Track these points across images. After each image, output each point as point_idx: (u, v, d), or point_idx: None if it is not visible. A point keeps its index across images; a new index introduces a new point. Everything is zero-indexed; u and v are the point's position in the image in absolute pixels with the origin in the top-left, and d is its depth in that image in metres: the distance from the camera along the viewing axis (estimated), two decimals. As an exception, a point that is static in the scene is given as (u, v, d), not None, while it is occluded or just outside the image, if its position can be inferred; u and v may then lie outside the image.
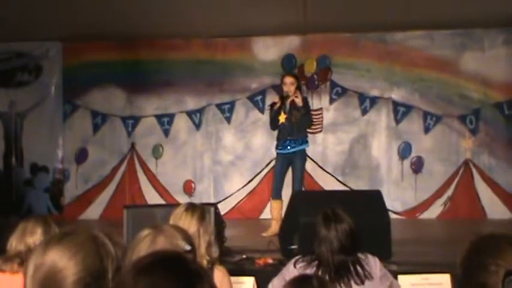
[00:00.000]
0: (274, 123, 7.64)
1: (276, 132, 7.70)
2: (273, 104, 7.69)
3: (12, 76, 10.41)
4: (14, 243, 3.34)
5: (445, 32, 9.57)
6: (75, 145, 10.30)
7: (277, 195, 7.53)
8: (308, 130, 7.74)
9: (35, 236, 3.31)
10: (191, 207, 3.52)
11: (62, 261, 1.61)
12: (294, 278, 2.56)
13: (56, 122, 10.29)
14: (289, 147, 7.54)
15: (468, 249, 2.07)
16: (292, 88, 7.51)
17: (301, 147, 7.58)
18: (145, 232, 2.50)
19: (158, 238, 2.45)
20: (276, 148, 7.70)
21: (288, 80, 7.61)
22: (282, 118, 7.54)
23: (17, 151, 10.40)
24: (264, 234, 7.28)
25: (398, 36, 9.71)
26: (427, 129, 9.64)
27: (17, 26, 9.11)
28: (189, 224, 3.36)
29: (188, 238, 2.54)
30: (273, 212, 7.52)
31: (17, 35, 9.69)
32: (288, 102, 7.53)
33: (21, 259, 3.21)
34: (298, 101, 7.42)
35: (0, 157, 10.41)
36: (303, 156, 7.61)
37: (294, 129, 7.51)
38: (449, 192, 9.49)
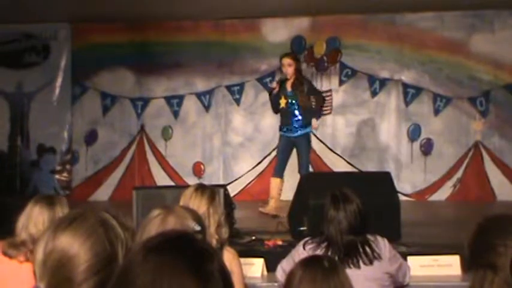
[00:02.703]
0: (275, 108, 7.52)
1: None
2: (271, 90, 7.48)
3: (21, 57, 10.41)
4: (20, 229, 3.30)
5: (455, 13, 9.49)
6: (84, 127, 10.32)
7: (277, 173, 7.44)
8: (320, 111, 7.65)
9: (39, 225, 3.25)
10: (201, 188, 3.53)
11: (73, 248, 1.60)
12: (305, 259, 2.57)
13: (64, 104, 10.30)
14: (294, 131, 7.35)
15: (476, 230, 2.07)
16: (290, 70, 7.30)
17: (306, 130, 7.37)
18: (156, 212, 2.51)
19: (168, 218, 2.46)
20: (280, 129, 7.56)
21: (286, 61, 7.36)
22: (283, 102, 7.36)
23: (23, 132, 10.41)
24: (261, 209, 7.27)
25: (409, 18, 9.64)
26: (436, 111, 9.60)
27: (26, 7, 9.09)
28: (199, 204, 3.37)
29: (198, 218, 2.55)
30: (272, 190, 7.43)
31: (26, 17, 9.68)
32: (287, 84, 7.33)
33: (28, 249, 3.17)
34: (287, 85, 7.25)
35: (5, 138, 10.42)
36: (308, 139, 7.43)
37: (302, 112, 7.30)
38: (459, 174, 9.47)
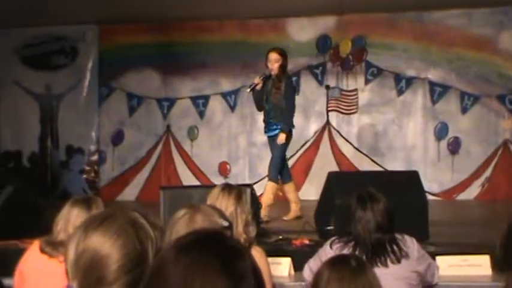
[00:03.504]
0: (259, 106, 6.99)
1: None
2: (253, 85, 6.84)
3: (49, 59, 10.54)
4: (58, 231, 3.36)
5: (483, 10, 9.40)
6: (111, 127, 10.40)
7: (282, 178, 7.00)
8: (286, 116, 6.84)
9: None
10: (228, 188, 3.54)
11: (104, 247, 1.61)
12: (332, 258, 2.56)
13: (92, 104, 10.39)
14: (271, 130, 6.92)
15: (508, 231, 2.05)
16: (276, 65, 6.69)
17: (276, 131, 6.84)
18: (182, 212, 2.52)
19: (196, 217, 2.47)
20: (264, 132, 7.10)
21: (273, 56, 6.76)
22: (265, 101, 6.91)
23: (53, 133, 10.54)
24: (285, 218, 6.91)
25: (436, 15, 9.57)
26: (464, 110, 9.51)
27: (53, 10, 9.18)
28: (227, 204, 3.38)
29: (224, 215, 2.56)
30: (288, 195, 7.10)
31: (54, 19, 9.78)
32: (269, 82, 6.79)
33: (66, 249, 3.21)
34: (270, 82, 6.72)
35: (36, 139, 10.56)
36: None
37: (273, 110, 6.81)
38: (488, 173, 9.37)
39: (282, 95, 6.75)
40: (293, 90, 7.10)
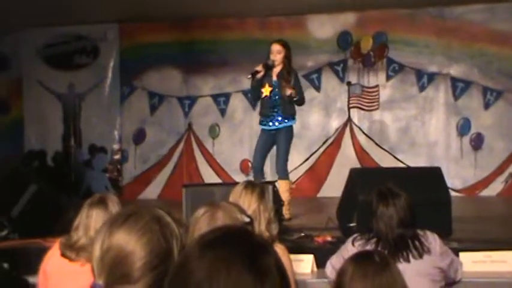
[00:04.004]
0: (255, 95, 6.88)
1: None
2: (254, 73, 6.68)
3: (71, 59, 10.61)
4: (80, 235, 3.37)
5: (506, 4, 9.30)
6: (133, 126, 10.45)
7: (257, 174, 6.76)
8: (294, 105, 6.74)
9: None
10: (250, 185, 3.55)
11: (129, 245, 1.62)
12: (356, 254, 2.56)
13: (114, 103, 10.46)
14: (275, 123, 6.73)
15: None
16: (279, 57, 6.62)
17: (288, 124, 6.72)
18: (202, 210, 2.53)
19: (217, 214, 2.48)
20: (260, 123, 6.89)
21: (275, 47, 6.68)
22: (267, 91, 6.69)
23: (76, 132, 10.62)
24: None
25: (458, 11, 9.49)
26: (487, 105, 9.44)
27: (75, 9, 9.25)
28: (249, 201, 3.38)
29: (244, 211, 2.57)
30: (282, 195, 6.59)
31: (75, 19, 9.85)
32: (273, 73, 6.66)
33: (88, 253, 3.21)
34: (273, 72, 6.58)
35: (59, 138, 10.65)
36: (288, 132, 6.75)
37: (282, 103, 6.64)
38: (511, 169, 9.29)
39: (292, 88, 6.62)
40: (300, 83, 6.96)
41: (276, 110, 6.69)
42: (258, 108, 9.93)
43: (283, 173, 6.79)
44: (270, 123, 6.73)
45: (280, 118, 6.70)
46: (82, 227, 3.36)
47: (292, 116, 6.73)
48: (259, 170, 6.77)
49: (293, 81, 6.67)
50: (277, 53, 6.64)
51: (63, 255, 3.35)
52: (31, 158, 10.60)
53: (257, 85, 6.72)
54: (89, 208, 3.40)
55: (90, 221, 3.35)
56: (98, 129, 10.46)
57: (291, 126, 6.75)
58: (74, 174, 10.52)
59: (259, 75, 6.64)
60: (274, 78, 6.69)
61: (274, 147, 6.89)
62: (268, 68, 6.66)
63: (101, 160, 10.50)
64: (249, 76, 6.77)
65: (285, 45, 6.75)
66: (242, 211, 2.57)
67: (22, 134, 10.73)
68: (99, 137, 10.50)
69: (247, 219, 2.49)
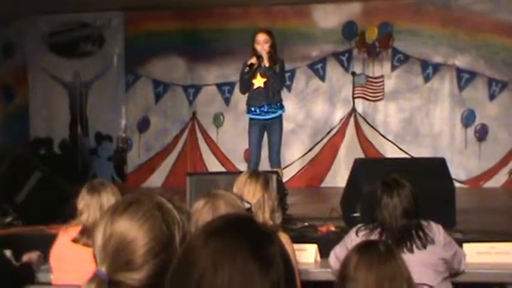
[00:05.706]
0: (246, 86, 6.71)
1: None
2: (251, 65, 6.52)
3: (76, 47, 10.61)
4: (89, 217, 3.40)
5: (511, -5, 9.28)
6: (137, 114, 10.46)
7: (255, 166, 6.64)
8: (281, 93, 6.73)
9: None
10: (255, 174, 3.55)
11: (131, 232, 1.62)
12: (360, 244, 2.56)
13: (119, 92, 10.46)
14: (269, 113, 6.63)
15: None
16: (267, 46, 6.48)
17: (279, 113, 6.65)
18: (203, 201, 2.53)
19: (218, 203, 2.48)
20: (250, 113, 6.79)
21: (262, 37, 6.55)
22: (260, 82, 6.57)
23: (82, 120, 10.64)
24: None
25: (463, 1, 9.45)
26: (492, 96, 9.41)
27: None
28: (254, 191, 3.38)
29: (242, 198, 2.57)
30: None
31: (80, 6, 9.83)
32: (263, 63, 6.49)
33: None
34: (265, 61, 6.41)
35: (66, 126, 10.66)
36: (280, 122, 6.69)
37: (269, 92, 6.56)
38: (516, 160, 9.28)
39: (278, 76, 6.57)
40: (284, 70, 6.93)
41: (268, 100, 6.61)
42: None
43: (278, 163, 6.79)
44: (264, 114, 6.66)
45: (272, 109, 6.64)
46: (93, 212, 3.40)
47: (281, 105, 6.70)
48: (257, 164, 6.74)
49: (278, 69, 6.59)
50: (264, 43, 6.52)
51: (75, 240, 3.38)
52: (38, 146, 10.62)
53: (250, 77, 6.61)
54: (90, 193, 3.47)
55: (102, 205, 3.39)
56: (104, 117, 10.47)
57: (281, 116, 6.72)
58: (80, 162, 10.55)
59: (255, 67, 6.54)
60: (264, 68, 6.54)
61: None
62: (261, 59, 6.53)
63: (107, 148, 10.52)
64: (246, 70, 6.63)
65: (270, 34, 6.67)
66: (240, 198, 2.57)
67: (27, 121, 10.75)
68: (105, 125, 10.51)
69: (247, 206, 2.50)
